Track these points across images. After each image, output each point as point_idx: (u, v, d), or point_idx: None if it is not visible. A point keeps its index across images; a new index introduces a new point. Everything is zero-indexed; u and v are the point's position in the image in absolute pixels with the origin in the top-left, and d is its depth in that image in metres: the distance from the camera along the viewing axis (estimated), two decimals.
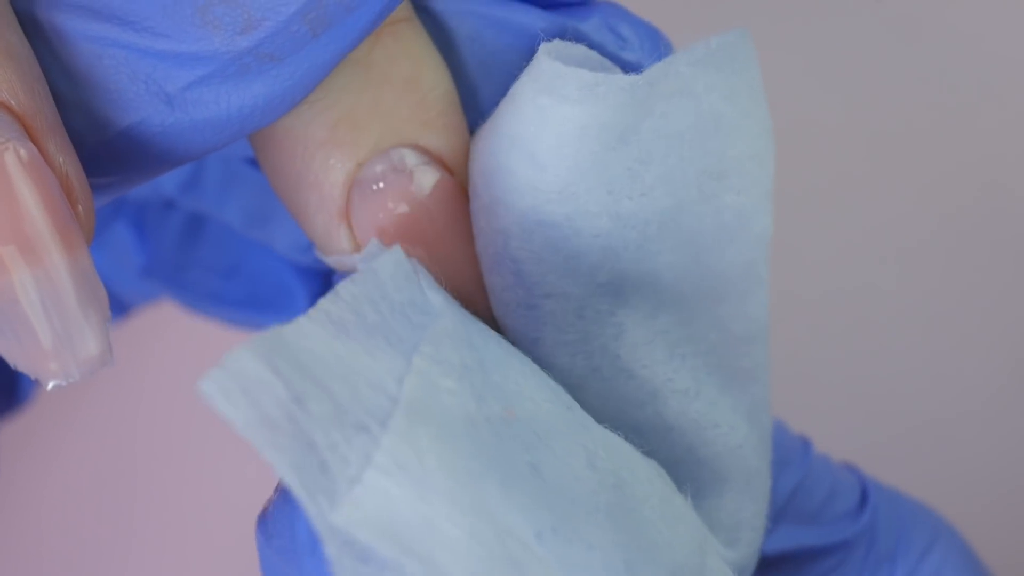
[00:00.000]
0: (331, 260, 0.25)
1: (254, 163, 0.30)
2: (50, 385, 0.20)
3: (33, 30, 0.22)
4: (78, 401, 0.46)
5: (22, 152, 0.20)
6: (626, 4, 0.28)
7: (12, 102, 0.20)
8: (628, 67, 0.25)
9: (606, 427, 0.23)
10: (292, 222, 0.30)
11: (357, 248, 0.24)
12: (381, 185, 0.24)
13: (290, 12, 0.22)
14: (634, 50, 0.25)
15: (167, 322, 0.41)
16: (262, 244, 0.32)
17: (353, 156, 0.24)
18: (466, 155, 0.25)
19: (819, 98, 0.48)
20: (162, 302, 0.35)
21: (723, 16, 0.48)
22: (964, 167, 0.47)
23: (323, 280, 0.31)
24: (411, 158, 0.24)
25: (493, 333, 0.23)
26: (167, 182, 0.31)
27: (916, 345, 0.45)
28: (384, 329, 0.21)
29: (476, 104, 0.26)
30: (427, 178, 0.24)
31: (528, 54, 0.25)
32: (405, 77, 0.24)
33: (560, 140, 0.23)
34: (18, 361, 0.20)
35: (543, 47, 0.23)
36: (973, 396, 0.44)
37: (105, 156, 0.23)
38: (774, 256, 0.27)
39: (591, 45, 0.25)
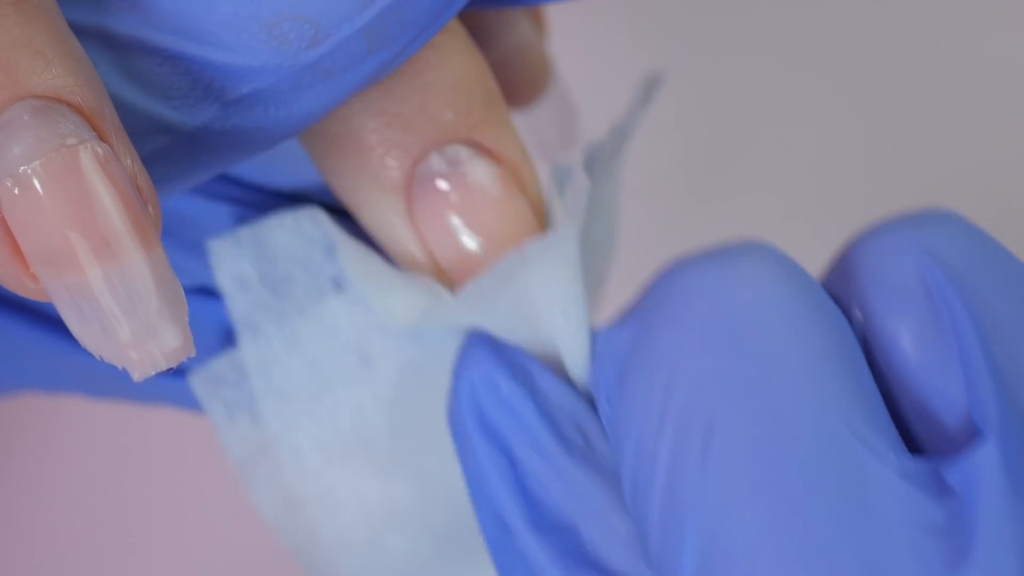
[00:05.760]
0: (391, 252, 0.26)
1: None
2: (136, 376, 0.20)
3: (96, 37, 0.23)
4: (72, 401, 0.46)
5: (99, 150, 0.20)
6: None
7: (83, 104, 0.21)
8: None
9: None
10: None
11: (420, 242, 0.25)
12: (440, 180, 0.25)
13: (355, 28, 0.22)
14: None
15: None
16: None
17: (408, 155, 0.25)
18: (515, 145, 0.26)
19: (817, 97, 0.49)
20: None
21: (722, 14, 0.49)
22: (963, 166, 0.48)
23: None
24: (464, 152, 0.25)
25: None
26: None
27: None
28: None
29: None
30: (482, 170, 0.25)
31: None
32: (449, 84, 0.25)
33: None
34: (104, 352, 0.21)
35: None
36: None
37: (161, 159, 0.24)
38: None
39: None
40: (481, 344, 0.25)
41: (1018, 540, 0.21)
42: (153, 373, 0.20)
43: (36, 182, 0.20)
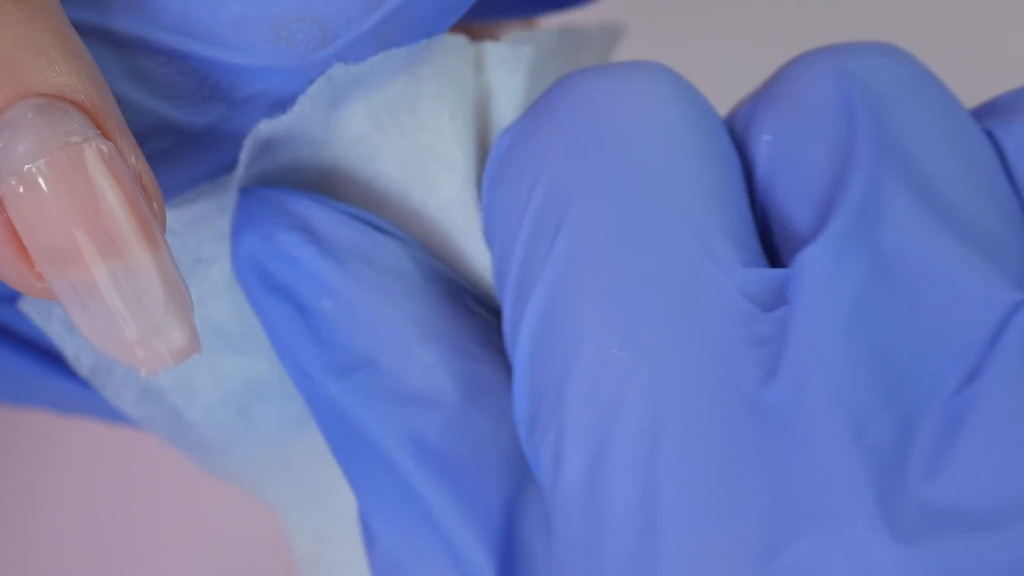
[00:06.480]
0: None
1: None
2: (143, 373, 0.20)
3: (100, 37, 0.23)
4: None
5: (103, 148, 0.20)
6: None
7: (87, 102, 0.21)
8: None
9: None
10: None
11: None
12: None
13: (363, 29, 0.22)
14: None
15: None
16: None
17: None
18: None
19: None
20: None
21: (722, 13, 0.49)
22: None
23: None
24: None
25: None
26: None
27: None
28: None
29: None
30: None
31: None
32: None
33: None
34: (109, 350, 0.20)
35: None
36: None
37: (166, 158, 0.24)
38: None
39: None
40: (250, 200, 0.24)
41: (829, 349, 0.20)
42: (160, 371, 0.20)
43: (41, 180, 0.20)
